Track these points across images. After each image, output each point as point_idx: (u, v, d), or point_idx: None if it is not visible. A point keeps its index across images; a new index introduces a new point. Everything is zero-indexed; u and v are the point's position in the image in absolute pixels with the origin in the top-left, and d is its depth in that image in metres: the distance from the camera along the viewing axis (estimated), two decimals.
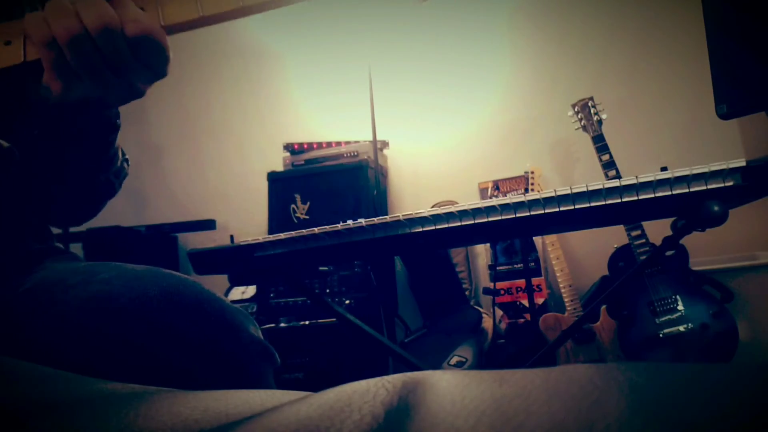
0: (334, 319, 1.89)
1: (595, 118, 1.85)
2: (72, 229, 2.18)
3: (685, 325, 1.64)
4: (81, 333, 0.50)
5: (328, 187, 2.15)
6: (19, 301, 0.55)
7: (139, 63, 0.52)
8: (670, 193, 0.67)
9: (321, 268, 1.98)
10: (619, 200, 0.69)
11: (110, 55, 0.50)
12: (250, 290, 2.11)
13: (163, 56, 0.53)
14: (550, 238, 1.97)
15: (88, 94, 0.53)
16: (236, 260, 0.86)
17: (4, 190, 0.62)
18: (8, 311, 0.54)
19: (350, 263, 1.98)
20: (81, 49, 0.49)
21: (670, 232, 0.82)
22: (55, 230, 0.79)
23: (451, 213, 0.74)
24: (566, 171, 2.30)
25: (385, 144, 2.38)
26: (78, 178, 0.67)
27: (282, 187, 2.22)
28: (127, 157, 0.77)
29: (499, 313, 2.06)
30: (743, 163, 0.65)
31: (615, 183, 0.68)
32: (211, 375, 0.53)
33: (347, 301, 1.93)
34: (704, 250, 1.93)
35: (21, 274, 0.60)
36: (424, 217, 0.75)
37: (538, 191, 1.02)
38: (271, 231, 2.17)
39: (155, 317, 0.52)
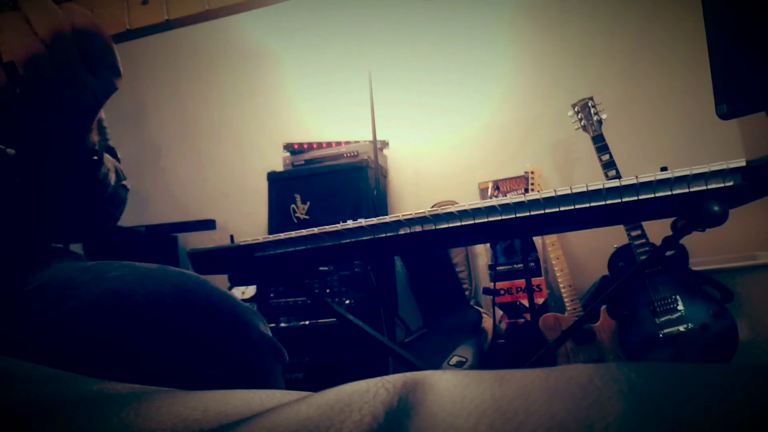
0: (334, 319, 1.89)
1: (595, 118, 1.85)
2: None
3: (685, 325, 1.64)
4: (93, 330, 0.49)
5: (328, 187, 2.15)
6: (26, 301, 0.53)
7: (86, 64, 0.48)
8: (670, 193, 0.67)
9: (321, 268, 1.98)
10: (619, 200, 0.68)
11: (61, 59, 0.46)
12: (250, 290, 2.11)
13: (111, 59, 0.50)
14: (550, 238, 1.97)
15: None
16: (236, 260, 0.85)
17: (9, 194, 0.61)
18: (14, 311, 0.53)
19: (350, 263, 1.98)
20: (41, 63, 0.45)
21: (670, 232, 0.82)
22: None
23: (451, 213, 0.74)
24: (566, 171, 2.30)
25: (385, 144, 2.38)
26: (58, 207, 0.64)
27: (282, 187, 2.21)
28: (124, 183, 0.74)
29: (499, 313, 2.06)
30: (743, 163, 0.65)
31: (615, 183, 0.68)
32: (222, 372, 0.53)
33: (347, 301, 1.93)
34: (704, 250, 1.93)
35: (25, 275, 0.59)
36: (424, 217, 0.75)
37: (538, 191, 1.02)
38: (271, 231, 2.17)
39: (169, 314, 0.52)
